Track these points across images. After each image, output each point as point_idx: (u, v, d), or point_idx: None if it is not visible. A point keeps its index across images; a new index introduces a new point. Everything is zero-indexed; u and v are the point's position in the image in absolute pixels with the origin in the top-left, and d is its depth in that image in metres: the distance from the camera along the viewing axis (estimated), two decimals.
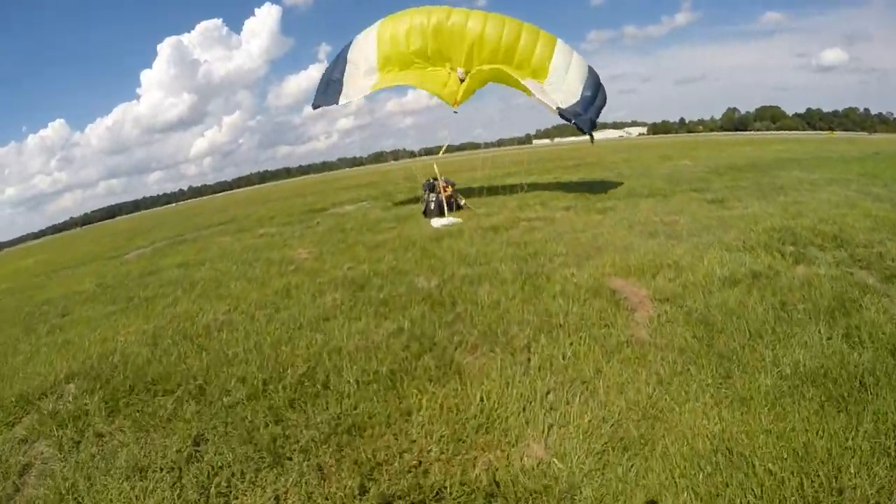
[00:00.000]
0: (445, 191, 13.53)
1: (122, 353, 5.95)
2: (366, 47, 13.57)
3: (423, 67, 13.34)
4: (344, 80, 13.72)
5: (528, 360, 4.47)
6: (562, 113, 12.13)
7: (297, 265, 9.47)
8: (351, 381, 4.44)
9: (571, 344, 4.65)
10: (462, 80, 12.93)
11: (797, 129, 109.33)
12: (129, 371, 5.31)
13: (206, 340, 5.94)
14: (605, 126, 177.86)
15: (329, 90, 13.99)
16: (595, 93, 13.02)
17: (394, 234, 11.25)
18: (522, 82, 12.20)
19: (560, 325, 5.01)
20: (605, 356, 4.42)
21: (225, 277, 9.32)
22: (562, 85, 12.69)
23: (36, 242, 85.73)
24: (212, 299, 7.86)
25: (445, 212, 12.84)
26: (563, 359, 4.41)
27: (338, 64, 14.06)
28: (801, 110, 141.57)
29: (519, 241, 8.92)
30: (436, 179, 13.79)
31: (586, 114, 12.56)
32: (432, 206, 13.31)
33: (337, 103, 13.78)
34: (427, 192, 13.77)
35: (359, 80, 13.53)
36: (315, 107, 14.65)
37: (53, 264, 21.71)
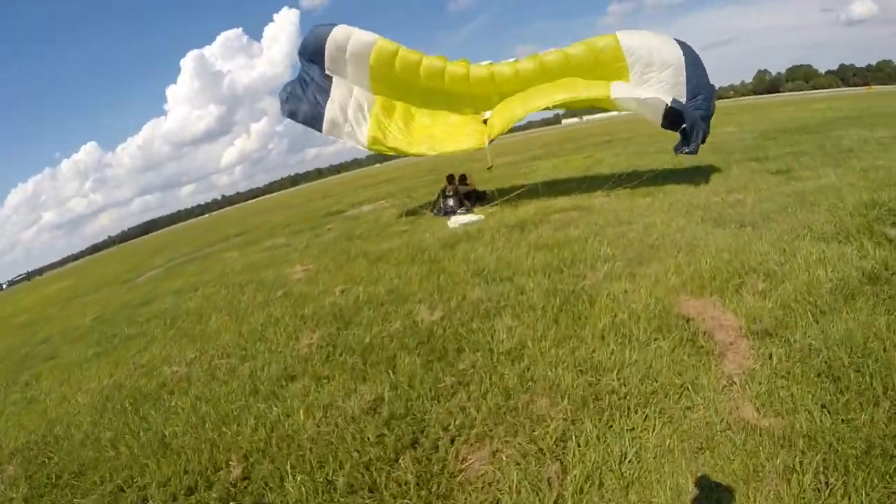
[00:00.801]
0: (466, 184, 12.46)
1: (67, 424, 5.33)
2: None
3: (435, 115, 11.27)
4: (328, 104, 10.86)
5: (563, 469, 2.79)
6: (677, 110, 8.96)
7: (287, 289, 8.34)
8: (291, 500, 2.98)
9: (633, 435, 2.95)
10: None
11: (831, 86, 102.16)
12: (64, 453, 4.66)
13: (153, 408, 5.07)
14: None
15: (309, 102, 11.05)
16: (702, 77, 9.59)
17: (403, 239, 9.81)
18: (604, 90, 9.20)
19: (613, 393, 3.34)
20: (693, 461, 2.70)
21: (208, 308, 8.52)
22: (656, 74, 9.48)
23: (74, 265, 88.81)
24: (183, 342, 7.04)
25: (463, 209, 11.50)
26: (621, 466, 2.73)
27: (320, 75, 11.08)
28: (833, 67, 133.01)
29: (551, 241, 7.27)
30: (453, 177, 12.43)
31: (705, 111, 9.50)
32: (450, 202, 11.94)
33: (321, 131, 11.13)
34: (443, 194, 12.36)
35: (348, 110, 10.80)
36: (288, 115, 11.50)
37: (74, 291, 21.76)
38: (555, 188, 12.05)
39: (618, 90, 8.99)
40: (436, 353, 4.49)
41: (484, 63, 10.85)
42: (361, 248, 9.97)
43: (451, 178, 12.72)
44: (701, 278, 4.91)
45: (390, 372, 4.30)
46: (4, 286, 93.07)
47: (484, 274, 6.45)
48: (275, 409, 4.14)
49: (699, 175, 10.30)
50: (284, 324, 6.34)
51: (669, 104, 8.89)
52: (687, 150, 9.17)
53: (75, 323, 11.64)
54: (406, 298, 6.15)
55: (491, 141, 9.89)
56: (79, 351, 8.51)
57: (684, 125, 9.00)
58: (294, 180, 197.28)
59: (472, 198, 12.26)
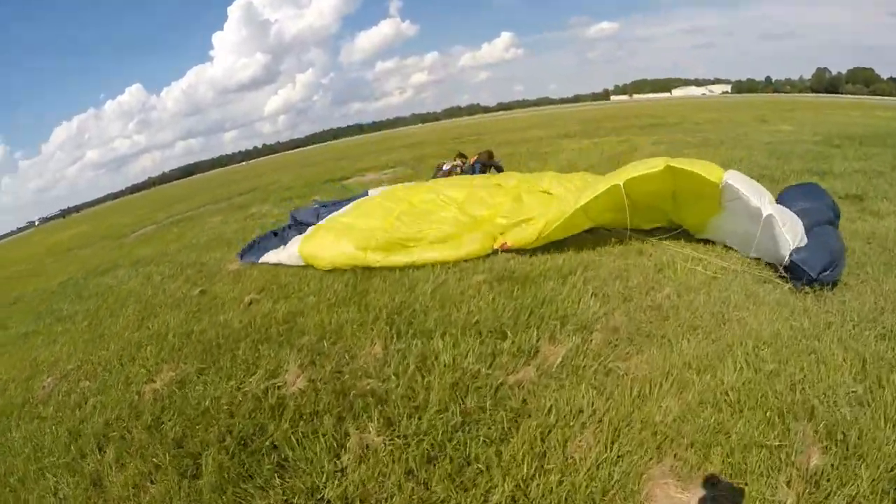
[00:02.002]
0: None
1: None
2: None
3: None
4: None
5: None
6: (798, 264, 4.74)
7: (208, 284, 7.08)
8: None
9: None
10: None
11: (892, 94, 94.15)
12: None
13: None
14: (686, 83, 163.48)
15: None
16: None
17: None
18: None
19: None
20: None
21: (132, 297, 7.46)
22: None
23: (107, 205, 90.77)
24: (82, 341, 6.04)
25: None
26: None
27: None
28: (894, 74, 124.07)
29: (518, 271, 5.50)
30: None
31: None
32: None
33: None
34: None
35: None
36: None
37: (79, 240, 21.53)
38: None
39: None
40: (249, 457, 3.12)
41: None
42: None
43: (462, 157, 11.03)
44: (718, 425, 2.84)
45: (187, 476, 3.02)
46: (37, 223, 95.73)
47: (404, 316, 4.65)
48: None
49: None
50: (158, 344, 5.08)
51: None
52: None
53: (47, 284, 11.06)
54: (288, 339, 4.58)
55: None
56: (15, 327, 7.90)
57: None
58: (335, 134, 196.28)
59: None
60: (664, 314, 4.20)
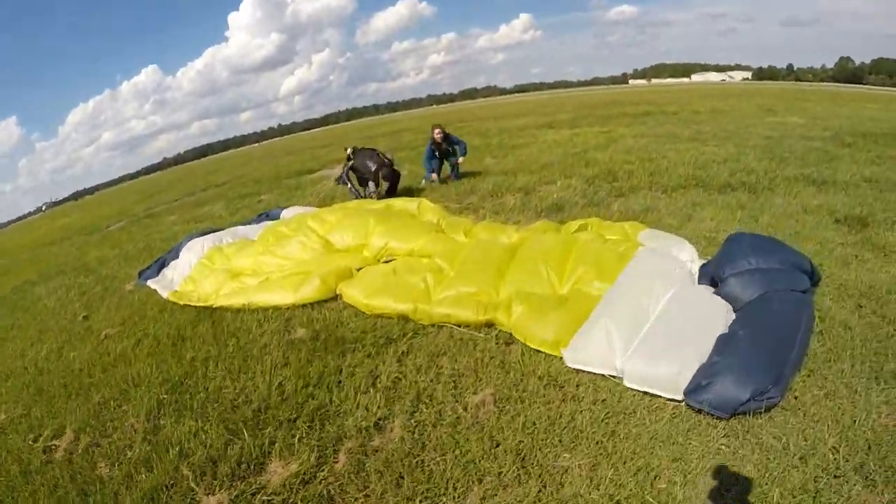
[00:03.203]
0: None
1: None
2: None
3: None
4: None
5: None
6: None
7: (97, 308, 6.37)
8: None
9: None
10: None
11: None
12: None
13: None
14: (706, 68, 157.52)
15: None
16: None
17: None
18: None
19: None
20: None
21: (38, 317, 6.78)
22: None
23: (111, 189, 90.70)
24: None
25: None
26: None
27: None
28: None
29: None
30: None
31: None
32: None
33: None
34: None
35: None
36: None
37: (61, 232, 20.65)
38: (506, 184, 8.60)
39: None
40: None
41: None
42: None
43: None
44: None
45: None
46: (44, 208, 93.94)
47: (178, 383, 3.83)
48: None
49: (720, 194, 6.65)
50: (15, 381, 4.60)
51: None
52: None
53: (3, 287, 10.13)
54: (87, 396, 3.81)
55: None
56: None
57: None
58: (350, 114, 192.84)
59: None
60: (463, 433, 2.86)
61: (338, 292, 4.84)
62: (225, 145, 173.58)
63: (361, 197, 8.72)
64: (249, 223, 8.22)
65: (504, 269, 4.43)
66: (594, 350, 3.17)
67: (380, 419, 3.03)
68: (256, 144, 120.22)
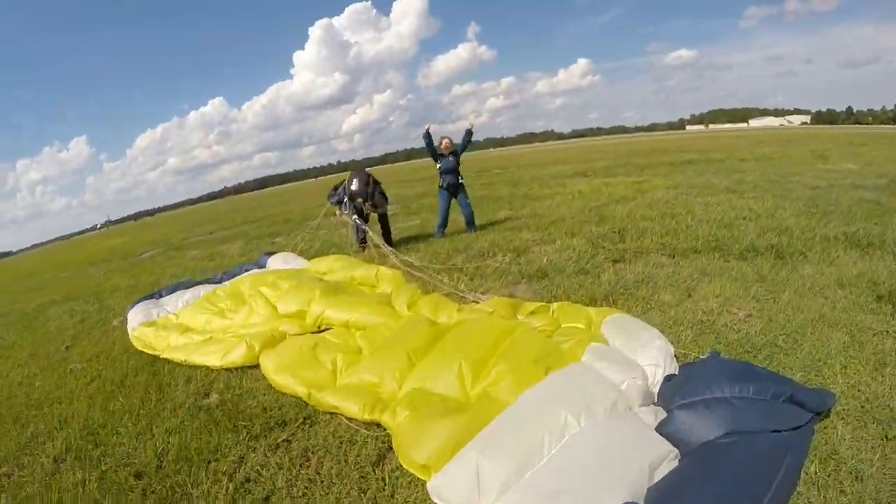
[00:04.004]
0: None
1: None
2: None
3: None
4: None
5: None
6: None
7: (83, 339, 6.61)
8: None
9: None
10: None
11: None
12: None
13: None
14: (764, 113, 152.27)
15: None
16: None
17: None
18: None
19: None
20: None
21: (36, 342, 7.03)
22: None
23: (169, 213, 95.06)
24: None
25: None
26: None
27: None
28: None
29: None
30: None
31: None
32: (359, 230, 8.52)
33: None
34: (344, 208, 8.61)
35: None
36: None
37: (104, 253, 21.25)
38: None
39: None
40: None
41: None
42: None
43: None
44: None
45: None
46: (98, 227, 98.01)
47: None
48: None
49: (742, 261, 5.63)
50: None
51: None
52: None
53: (26, 306, 10.66)
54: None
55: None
56: None
57: None
58: (409, 154, 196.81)
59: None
60: None
61: (258, 361, 4.46)
62: (285, 178, 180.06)
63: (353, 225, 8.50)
64: (232, 274, 7.96)
65: (417, 357, 3.78)
66: (458, 489, 2.41)
67: None
68: (314, 180, 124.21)
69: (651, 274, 5.45)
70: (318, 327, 5.16)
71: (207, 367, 4.62)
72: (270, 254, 8.44)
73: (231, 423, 3.58)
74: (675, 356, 3.31)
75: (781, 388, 2.56)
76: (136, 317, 6.35)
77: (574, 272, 5.86)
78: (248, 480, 2.97)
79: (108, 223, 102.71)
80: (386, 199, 8.70)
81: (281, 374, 4.07)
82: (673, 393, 2.65)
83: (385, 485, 2.77)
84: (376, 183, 8.48)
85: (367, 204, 8.32)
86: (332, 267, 6.97)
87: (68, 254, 29.78)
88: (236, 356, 4.59)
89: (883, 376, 3.08)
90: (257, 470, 3.04)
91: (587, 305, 4.71)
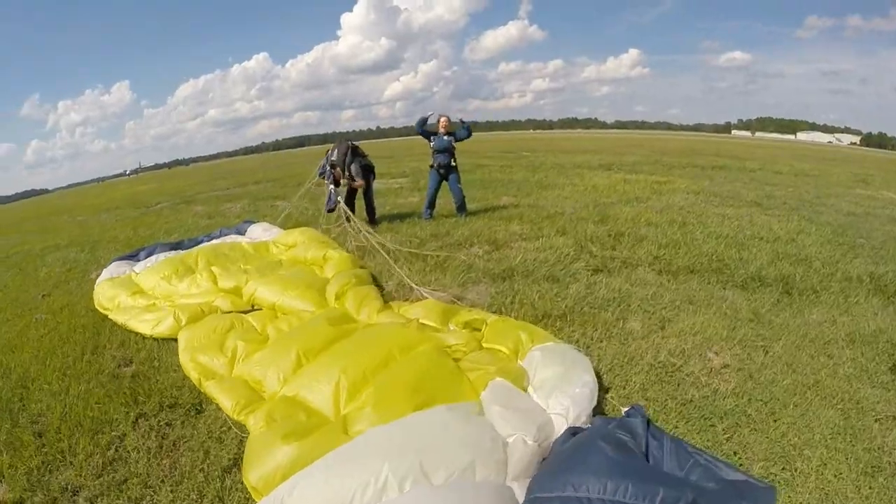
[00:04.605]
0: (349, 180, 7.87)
1: None
2: None
3: None
4: None
5: None
6: None
7: (63, 289, 6.47)
8: None
9: None
10: None
11: None
12: None
13: None
14: (814, 127, 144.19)
15: None
16: None
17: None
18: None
19: None
20: None
21: (15, 284, 7.19)
22: None
23: (215, 163, 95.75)
24: None
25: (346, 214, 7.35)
26: None
27: None
28: None
29: None
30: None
31: None
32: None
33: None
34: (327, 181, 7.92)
35: None
36: None
37: (121, 201, 20.97)
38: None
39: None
40: None
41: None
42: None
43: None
44: None
45: None
46: (128, 173, 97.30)
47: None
48: None
49: (709, 300, 4.75)
50: None
51: None
52: None
53: (32, 248, 10.52)
54: None
55: None
56: None
57: None
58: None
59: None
60: None
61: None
62: (323, 139, 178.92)
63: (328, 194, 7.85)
64: (211, 237, 7.74)
65: (308, 358, 3.34)
66: None
67: (77, 488, 2.65)
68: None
69: (628, 292, 4.63)
70: (252, 306, 4.79)
71: (138, 334, 4.47)
72: (251, 222, 8.12)
73: (132, 397, 3.43)
74: (604, 407, 2.58)
75: (677, 494, 1.78)
76: (105, 273, 6.25)
77: (542, 277, 5.09)
78: (116, 459, 2.85)
79: (139, 170, 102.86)
80: (370, 172, 7.99)
81: (184, 353, 3.83)
82: (534, 479, 1.94)
83: (221, 495, 2.51)
84: (357, 155, 7.79)
85: (345, 174, 7.64)
86: (296, 241, 6.54)
87: (94, 197, 29.82)
88: (164, 328, 4.38)
89: (871, 488, 2.28)
90: (128, 451, 2.90)
91: (540, 320, 3.99)
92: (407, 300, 4.69)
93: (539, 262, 5.57)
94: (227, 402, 3.10)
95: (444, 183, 8.16)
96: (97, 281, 6.04)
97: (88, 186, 75.67)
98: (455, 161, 8.04)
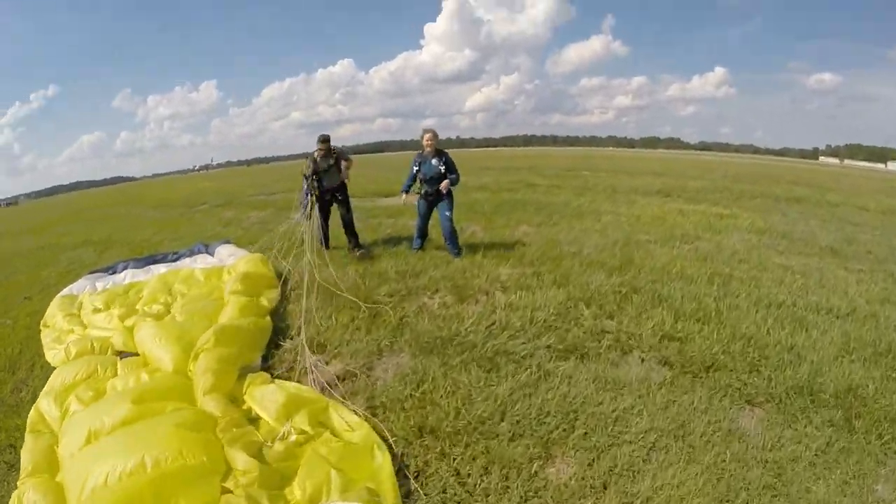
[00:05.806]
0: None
1: None
2: None
3: None
4: None
5: None
6: None
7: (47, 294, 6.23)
8: None
9: None
10: None
11: None
12: None
13: None
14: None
15: None
16: None
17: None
18: None
19: None
20: None
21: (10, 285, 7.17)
22: None
23: (291, 163, 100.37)
24: None
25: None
26: None
27: None
28: None
29: None
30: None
31: None
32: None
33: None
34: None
35: None
36: None
37: (174, 198, 21.34)
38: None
39: None
40: None
41: None
42: None
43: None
44: None
45: None
46: (197, 168, 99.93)
47: None
48: None
49: (717, 434, 3.17)
50: None
51: None
52: None
53: (66, 242, 10.50)
54: None
55: None
56: None
57: None
58: (528, 140, 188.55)
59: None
60: None
61: None
62: (403, 145, 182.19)
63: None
64: (190, 252, 7.17)
65: (95, 436, 2.81)
66: None
67: None
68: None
69: (587, 400, 3.15)
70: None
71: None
72: (227, 242, 7.46)
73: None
74: None
75: None
76: (69, 287, 5.98)
77: (482, 356, 3.73)
78: None
79: (210, 166, 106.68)
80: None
81: (43, 396, 3.49)
82: None
83: None
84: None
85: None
86: (245, 270, 5.54)
87: (158, 190, 31.13)
88: (57, 360, 4.21)
89: None
90: None
91: (419, 436, 2.72)
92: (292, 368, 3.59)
93: (496, 330, 4.20)
94: (26, 461, 2.77)
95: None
96: (59, 293, 5.73)
97: (169, 178, 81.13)
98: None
